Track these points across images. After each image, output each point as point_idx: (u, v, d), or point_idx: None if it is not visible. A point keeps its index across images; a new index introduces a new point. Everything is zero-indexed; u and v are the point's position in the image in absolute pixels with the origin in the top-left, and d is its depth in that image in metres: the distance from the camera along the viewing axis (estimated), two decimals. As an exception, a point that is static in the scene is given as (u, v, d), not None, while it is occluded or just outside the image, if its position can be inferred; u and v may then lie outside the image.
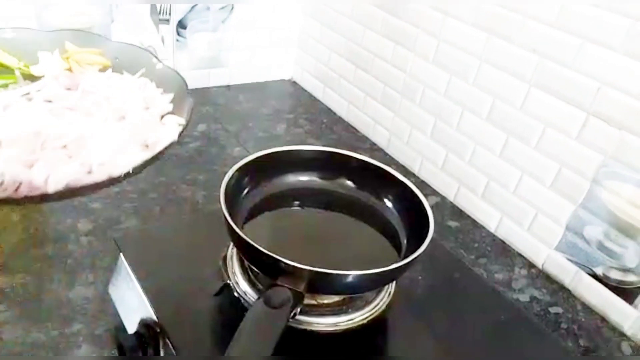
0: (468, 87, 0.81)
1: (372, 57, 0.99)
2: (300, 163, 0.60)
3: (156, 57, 0.58)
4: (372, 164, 0.59)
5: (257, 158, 0.56)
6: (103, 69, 0.57)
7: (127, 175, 0.44)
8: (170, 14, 1.01)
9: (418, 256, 0.47)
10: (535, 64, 0.71)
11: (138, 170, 0.45)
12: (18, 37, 0.57)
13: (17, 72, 0.54)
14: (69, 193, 0.39)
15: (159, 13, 1.00)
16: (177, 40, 1.05)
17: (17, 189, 0.41)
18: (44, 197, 0.41)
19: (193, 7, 1.03)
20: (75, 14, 0.93)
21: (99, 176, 0.43)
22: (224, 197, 0.50)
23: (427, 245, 0.48)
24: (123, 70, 0.57)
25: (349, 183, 0.61)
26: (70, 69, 0.56)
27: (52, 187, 0.41)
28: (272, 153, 0.58)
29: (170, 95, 0.54)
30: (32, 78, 0.54)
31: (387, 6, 0.93)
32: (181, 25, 1.04)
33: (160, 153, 0.47)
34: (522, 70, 0.73)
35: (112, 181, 0.43)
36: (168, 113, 0.52)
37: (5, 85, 0.52)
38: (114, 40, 0.61)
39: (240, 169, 0.54)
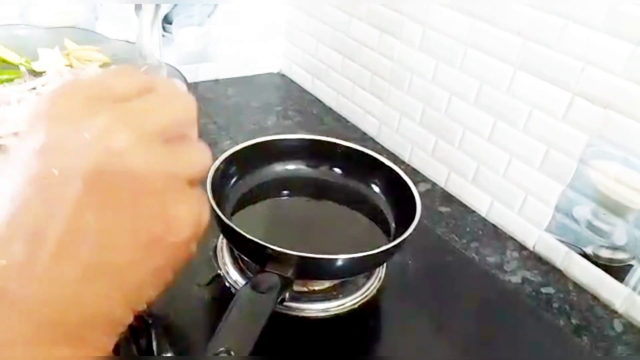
0: (455, 72, 0.81)
1: (359, 46, 0.99)
2: (286, 152, 0.60)
3: (153, 54, 0.57)
4: (357, 150, 0.59)
5: (243, 148, 0.56)
6: (103, 66, 0.57)
7: None
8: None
9: (406, 238, 0.48)
10: (520, 47, 0.71)
11: None
12: (13, 34, 0.57)
13: (23, 68, 0.53)
14: None
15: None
16: (164, 35, 1.04)
17: None
18: None
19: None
20: (59, 12, 0.93)
21: None
22: (210, 188, 0.50)
23: (415, 226, 0.49)
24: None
25: (336, 170, 0.61)
26: (70, 65, 0.56)
27: None
28: (258, 143, 0.58)
29: None
30: (34, 74, 0.54)
31: (372, -6, 0.93)
32: (167, 20, 1.03)
33: None
34: (507, 54, 0.73)
35: None
36: None
37: (11, 80, 0.52)
38: (112, 38, 0.60)
39: (226, 160, 0.55)
